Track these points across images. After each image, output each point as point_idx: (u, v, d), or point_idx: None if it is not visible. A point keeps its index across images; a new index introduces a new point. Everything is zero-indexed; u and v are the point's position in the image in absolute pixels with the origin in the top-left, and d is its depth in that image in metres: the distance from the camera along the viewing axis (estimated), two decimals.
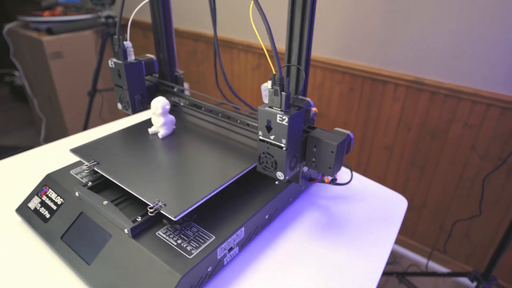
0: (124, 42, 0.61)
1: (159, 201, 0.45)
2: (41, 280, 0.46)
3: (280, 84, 0.41)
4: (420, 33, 1.07)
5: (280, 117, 0.42)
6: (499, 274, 1.25)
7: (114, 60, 0.62)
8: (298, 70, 0.48)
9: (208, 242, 0.45)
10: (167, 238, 0.45)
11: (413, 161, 1.27)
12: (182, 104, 0.67)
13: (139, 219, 0.46)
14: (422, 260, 1.43)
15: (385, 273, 1.36)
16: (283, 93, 0.42)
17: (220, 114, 0.60)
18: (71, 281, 0.45)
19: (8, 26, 1.71)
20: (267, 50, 0.44)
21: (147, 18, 1.77)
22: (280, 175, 0.47)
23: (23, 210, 0.56)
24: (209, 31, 1.58)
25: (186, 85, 1.83)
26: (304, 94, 0.50)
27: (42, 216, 0.53)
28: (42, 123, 1.99)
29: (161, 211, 0.44)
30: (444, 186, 1.24)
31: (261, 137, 0.46)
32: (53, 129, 1.91)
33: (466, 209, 1.23)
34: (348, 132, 0.49)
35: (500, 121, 1.04)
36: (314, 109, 0.48)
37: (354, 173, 0.69)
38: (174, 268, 0.41)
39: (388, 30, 1.13)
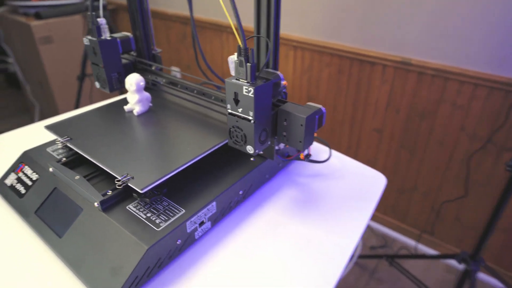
0: (98, 19, 0.60)
1: (127, 174, 0.45)
2: (14, 253, 0.46)
3: (245, 55, 0.41)
4: (405, 12, 1.06)
5: (246, 88, 0.42)
6: (489, 257, 1.26)
7: (89, 37, 0.61)
8: (266, 42, 0.47)
9: (177, 216, 0.45)
10: (137, 211, 0.46)
11: (402, 143, 1.27)
12: (161, 82, 0.67)
13: (110, 193, 0.46)
14: (413, 243, 1.44)
15: (375, 256, 1.37)
16: (248, 64, 0.41)
17: (195, 91, 0.60)
18: (43, 254, 0.46)
19: None
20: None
21: None
22: (249, 149, 0.47)
23: (0, 186, 0.56)
24: (199, 14, 1.56)
25: (177, 69, 1.82)
26: (275, 68, 0.49)
27: (17, 192, 0.53)
28: (35, 109, 1.99)
29: (129, 184, 0.44)
30: (434, 167, 1.24)
31: (229, 111, 0.46)
32: (47, 115, 1.91)
33: (455, 190, 1.23)
34: (319, 106, 0.48)
35: (488, 100, 1.03)
36: (284, 82, 0.47)
37: (334, 151, 0.69)
38: (141, 240, 0.41)
39: (373, 9, 1.11)
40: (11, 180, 0.55)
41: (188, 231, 0.46)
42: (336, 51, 1.24)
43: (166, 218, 0.45)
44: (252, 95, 0.42)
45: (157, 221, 0.44)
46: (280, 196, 0.58)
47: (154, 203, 0.47)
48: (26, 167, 0.55)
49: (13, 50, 1.81)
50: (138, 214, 0.45)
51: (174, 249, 0.45)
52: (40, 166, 0.54)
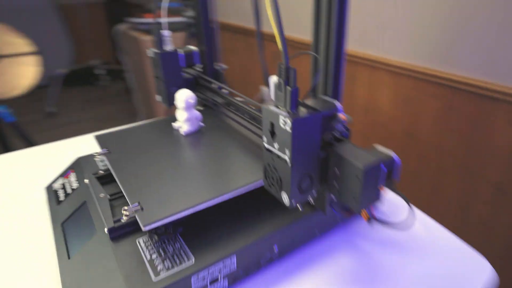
0: (161, 31, 0.58)
1: (139, 203, 0.39)
2: (28, 261, 0.44)
3: (285, 76, 0.31)
4: None
5: (283, 119, 0.32)
6: None
7: (153, 49, 0.59)
8: (317, 60, 0.36)
9: (183, 266, 0.36)
10: (144, 249, 0.39)
11: None
12: (220, 102, 0.61)
13: (123, 220, 0.41)
14: None
15: None
16: (288, 87, 0.31)
17: (246, 115, 0.52)
18: (52, 270, 0.43)
19: (117, 27, 1.96)
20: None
21: (234, 20, 1.80)
22: (284, 197, 0.35)
23: (49, 189, 0.57)
24: (290, 33, 1.50)
25: (266, 89, 1.79)
26: (336, 97, 0.37)
27: (57, 198, 0.53)
28: (141, 115, 2.21)
29: (136, 215, 0.37)
30: None
31: (265, 145, 0.36)
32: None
33: None
34: (390, 153, 0.34)
35: None
36: (342, 115, 0.35)
37: (421, 213, 0.51)
38: None
39: (498, 31, 0.86)
40: (58, 185, 0.56)
41: (193, 287, 0.37)
42: (446, 80, 1.01)
43: (170, 265, 0.36)
44: (290, 130, 0.31)
45: (159, 267, 0.36)
46: (331, 262, 0.44)
47: (166, 242, 0.40)
48: (72, 174, 0.55)
49: (129, 61, 2.06)
50: (144, 253, 0.38)
51: None
52: (83, 175, 0.52)
